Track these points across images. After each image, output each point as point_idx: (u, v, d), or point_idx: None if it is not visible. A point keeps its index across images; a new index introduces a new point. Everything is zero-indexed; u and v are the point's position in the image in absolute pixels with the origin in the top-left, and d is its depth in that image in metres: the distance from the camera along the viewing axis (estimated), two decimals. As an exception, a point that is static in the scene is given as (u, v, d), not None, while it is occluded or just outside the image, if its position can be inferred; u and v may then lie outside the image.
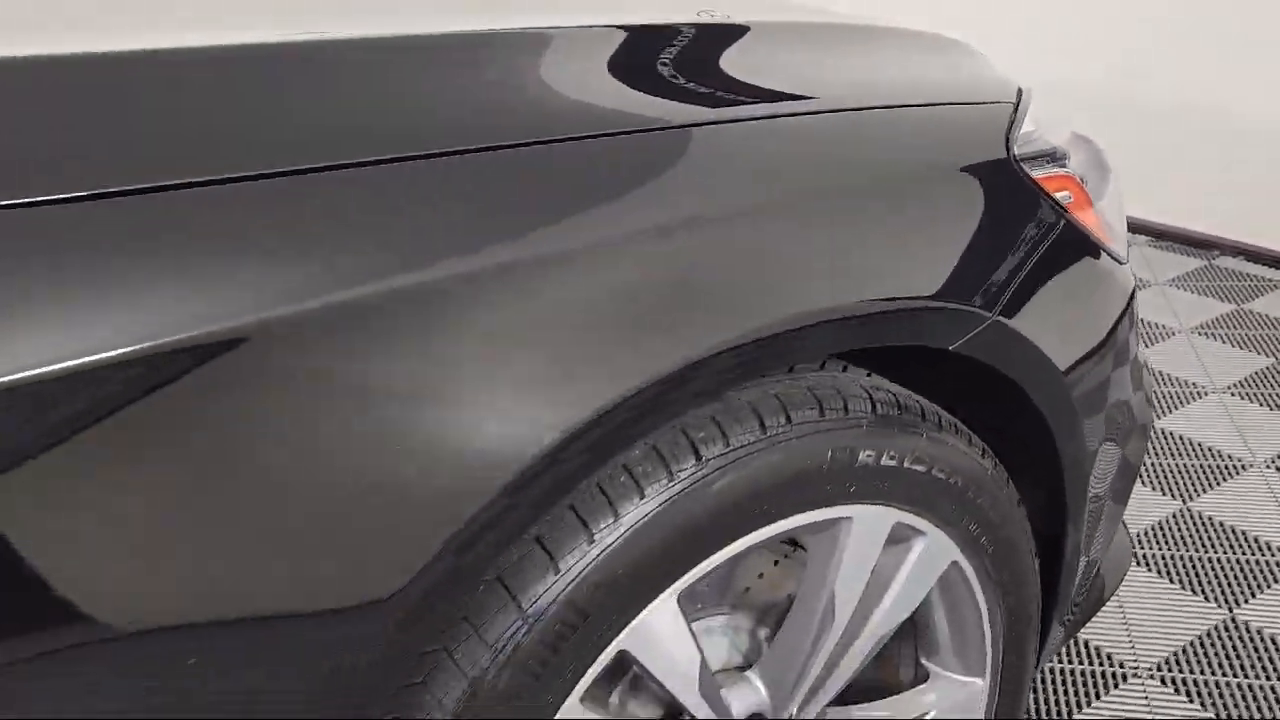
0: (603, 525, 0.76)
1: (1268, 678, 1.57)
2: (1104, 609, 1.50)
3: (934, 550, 0.97)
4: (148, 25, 0.81)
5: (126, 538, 0.59)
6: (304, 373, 0.63)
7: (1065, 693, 1.58)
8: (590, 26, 0.90)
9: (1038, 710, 1.55)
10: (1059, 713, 1.55)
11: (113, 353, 0.57)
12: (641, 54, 0.91)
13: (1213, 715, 1.52)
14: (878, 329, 0.86)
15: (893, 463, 0.90)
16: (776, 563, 1.04)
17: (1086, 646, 1.64)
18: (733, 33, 1.00)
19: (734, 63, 0.95)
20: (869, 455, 0.88)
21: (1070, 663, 1.62)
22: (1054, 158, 1.07)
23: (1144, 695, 1.57)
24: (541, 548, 0.75)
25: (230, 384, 0.60)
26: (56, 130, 0.63)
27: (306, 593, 0.64)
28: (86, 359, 0.56)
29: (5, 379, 0.54)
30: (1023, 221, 0.99)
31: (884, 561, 0.95)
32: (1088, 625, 1.50)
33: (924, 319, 0.88)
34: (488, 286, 0.68)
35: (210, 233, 0.62)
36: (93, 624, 0.58)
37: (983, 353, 0.93)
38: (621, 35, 0.90)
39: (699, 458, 0.79)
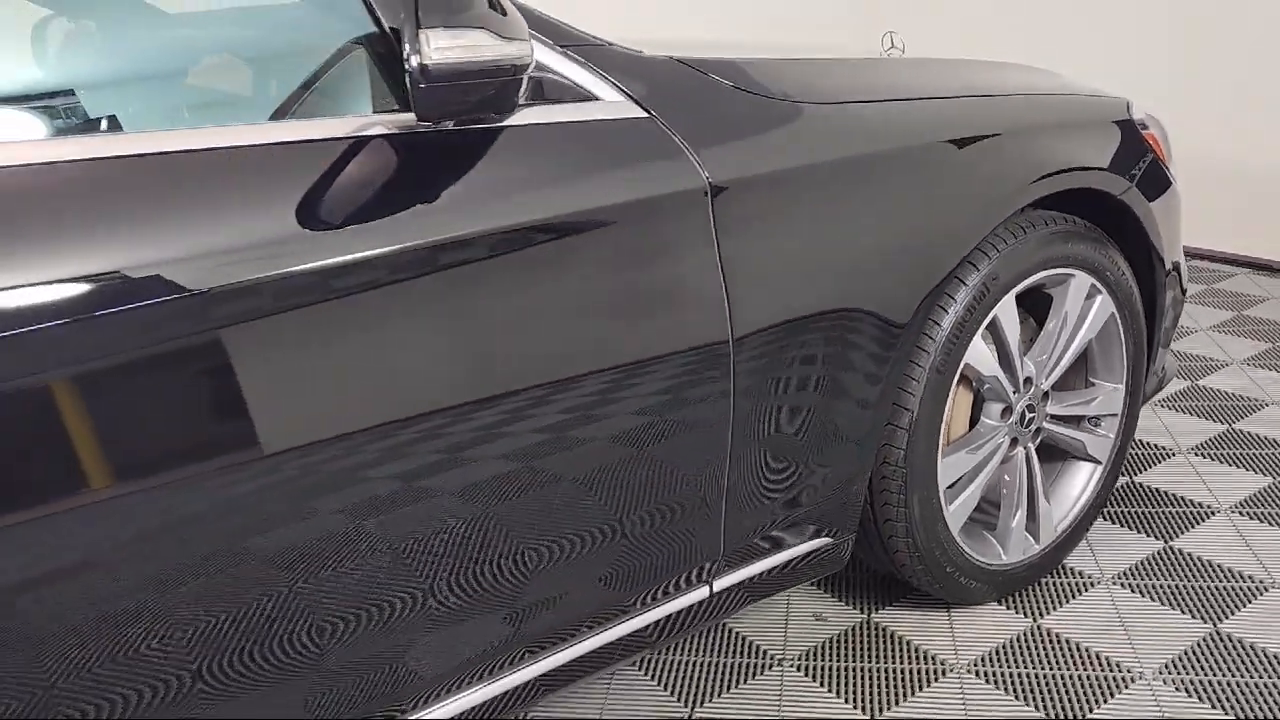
0: (992, 254, 1.81)
1: None
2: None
3: (1105, 304, 2.02)
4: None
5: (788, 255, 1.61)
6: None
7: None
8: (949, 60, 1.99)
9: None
10: None
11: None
12: (956, 72, 2.00)
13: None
14: (1087, 175, 1.93)
15: (1091, 251, 1.96)
16: (1023, 321, 2.09)
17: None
18: (986, 65, 2.10)
19: (982, 75, 2.05)
20: (1081, 246, 1.94)
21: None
22: (1144, 125, 2.16)
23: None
24: (971, 264, 1.79)
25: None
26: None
27: (879, 309, 1.66)
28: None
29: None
30: (1137, 151, 2.08)
31: (1084, 307, 2.00)
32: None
33: (1103, 175, 1.96)
34: (926, 157, 1.74)
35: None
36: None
37: (1127, 197, 2.00)
38: (947, 64, 1.99)
39: (1025, 233, 1.85)
